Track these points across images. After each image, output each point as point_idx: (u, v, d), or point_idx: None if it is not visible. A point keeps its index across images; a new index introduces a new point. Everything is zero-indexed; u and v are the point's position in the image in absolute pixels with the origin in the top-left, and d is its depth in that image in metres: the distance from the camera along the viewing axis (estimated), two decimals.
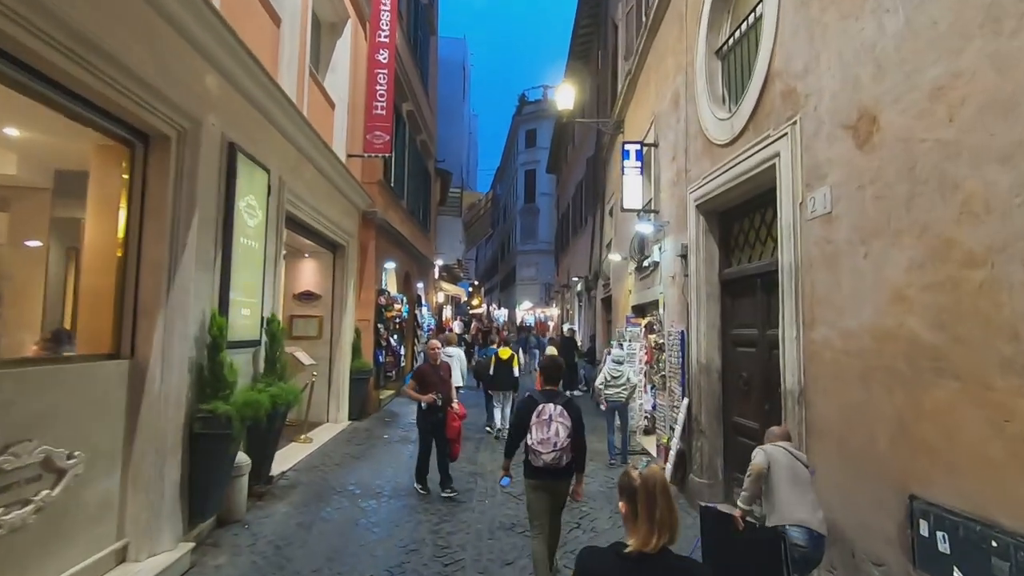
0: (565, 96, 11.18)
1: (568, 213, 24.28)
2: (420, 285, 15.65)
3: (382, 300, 10.65)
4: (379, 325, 10.46)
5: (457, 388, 8.58)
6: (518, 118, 40.78)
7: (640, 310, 9.32)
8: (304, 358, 8.57)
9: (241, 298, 5.17)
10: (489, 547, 4.75)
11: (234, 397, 4.52)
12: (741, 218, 5.50)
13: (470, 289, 34.85)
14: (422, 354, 14.91)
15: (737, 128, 5.03)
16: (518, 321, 35.03)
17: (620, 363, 7.48)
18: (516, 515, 5.47)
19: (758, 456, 3.41)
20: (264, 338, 5.65)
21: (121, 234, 3.98)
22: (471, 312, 34.34)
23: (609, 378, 7.35)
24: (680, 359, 6.29)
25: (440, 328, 17.94)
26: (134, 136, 4.01)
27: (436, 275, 19.40)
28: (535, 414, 3.71)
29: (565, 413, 3.72)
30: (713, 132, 5.56)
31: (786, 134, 4.20)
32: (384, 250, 11.15)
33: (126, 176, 4.03)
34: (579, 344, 15.10)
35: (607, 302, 13.06)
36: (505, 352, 9.09)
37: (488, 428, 9.25)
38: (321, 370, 9.03)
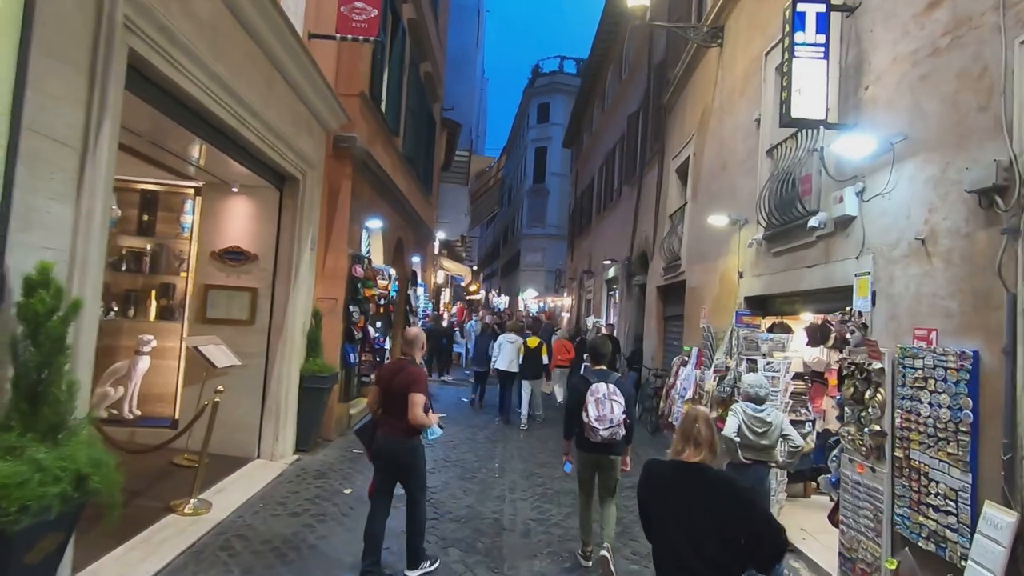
0: None
1: (591, 189, 20.88)
2: (416, 259, 12.22)
3: (359, 271, 7.22)
4: (352, 307, 7.04)
5: (513, 374, 8.91)
6: (530, 90, 37.61)
7: (760, 303, 5.93)
8: (219, 356, 5.17)
9: None
10: None
11: None
12: None
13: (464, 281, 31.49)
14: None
15: None
16: (520, 309, 31.83)
17: (761, 400, 4.08)
18: None
19: None
20: (18, 328, 2.23)
21: None
22: (468, 298, 31.07)
23: (750, 433, 3.96)
24: (966, 413, 2.92)
25: (438, 312, 14.55)
26: None
27: (436, 249, 15.95)
28: (589, 393, 3.88)
29: (618, 391, 3.91)
30: None
31: None
32: (366, 200, 7.71)
33: None
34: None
35: (669, 291, 9.66)
36: (533, 341, 8.93)
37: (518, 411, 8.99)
38: (251, 375, 5.64)
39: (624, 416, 3.88)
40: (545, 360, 8.99)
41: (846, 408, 3.93)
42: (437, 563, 3.84)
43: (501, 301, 38.29)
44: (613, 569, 3.77)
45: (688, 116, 9.05)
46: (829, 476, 4.16)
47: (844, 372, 3.93)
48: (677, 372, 7.72)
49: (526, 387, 8.86)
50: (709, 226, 7.15)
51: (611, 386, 3.91)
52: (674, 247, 9.00)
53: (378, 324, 8.67)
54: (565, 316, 23.03)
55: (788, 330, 5.53)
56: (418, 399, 3.44)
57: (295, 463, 5.78)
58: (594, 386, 3.90)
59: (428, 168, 12.96)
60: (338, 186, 6.84)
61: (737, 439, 3.96)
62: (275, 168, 5.54)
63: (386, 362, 8.96)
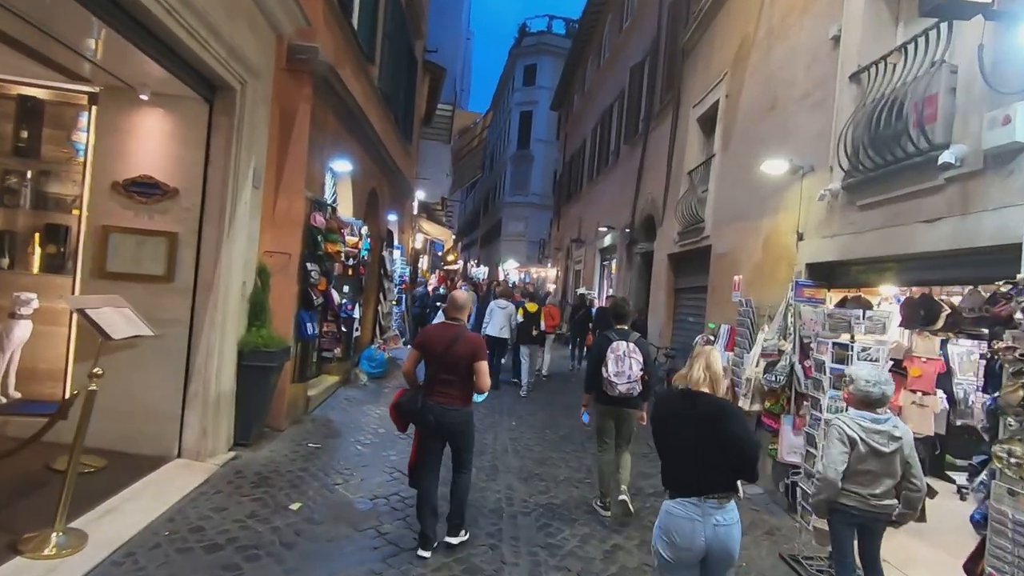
0: None
1: (582, 153, 19.52)
2: (393, 217, 10.75)
3: (320, 220, 5.78)
4: (310, 265, 5.63)
5: (504, 341, 8.54)
6: (516, 51, 35.84)
7: (826, 272, 4.74)
8: (119, 323, 3.75)
9: None
10: None
11: None
12: None
13: (445, 247, 29.97)
14: (396, 315, 10.18)
15: None
16: (501, 279, 30.64)
17: (881, 403, 2.87)
18: None
19: None
20: None
21: None
22: (446, 268, 29.78)
23: (872, 457, 2.75)
24: None
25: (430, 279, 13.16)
26: None
27: (415, 210, 14.45)
28: (610, 350, 4.14)
29: (637, 350, 4.18)
30: None
31: None
32: (331, 133, 6.23)
33: None
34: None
35: (684, 259, 8.46)
36: (532, 306, 8.86)
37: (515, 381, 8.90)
38: (170, 349, 4.26)
39: (642, 373, 4.13)
40: (542, 327, 8.96)
41: (1010, 418, 2.75)
42: (468, 534, 3.66)
43: (480, 271, 37.08)
44: (631, 508, 4.19)
45: (717, 54, 7.70)
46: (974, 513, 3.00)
47: (1011, 368, 2.74)
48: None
49: (525, 353, 8.68)
50: (751, 179, 5.91)
51: (631, 344, 4.18)
52: (694, 208, 7.75)
53: (345, 288, 7.27)
54: (551, 287, 21.83)
55: (867, 306, 4.35)
56: (485, 366, 3.47)
57: (230, 463, 4.44)
58: (615, 344, 4.17)
59: (408, 114, 11.38)
60: (293, 109, 5.35)
61: (840, 481, 2.74)
62: (201, 70, 4.05)
63: (355, 334, 7.62)
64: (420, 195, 15.30)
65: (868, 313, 3.70)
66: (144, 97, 4.19)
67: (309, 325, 5.58)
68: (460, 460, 3.58)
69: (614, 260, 13.39)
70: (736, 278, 6.20)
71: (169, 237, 4.29)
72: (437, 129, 18.39)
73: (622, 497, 4.18)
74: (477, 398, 3.59)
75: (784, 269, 5.18)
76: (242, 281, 4.64)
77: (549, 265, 25.38)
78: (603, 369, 4.12)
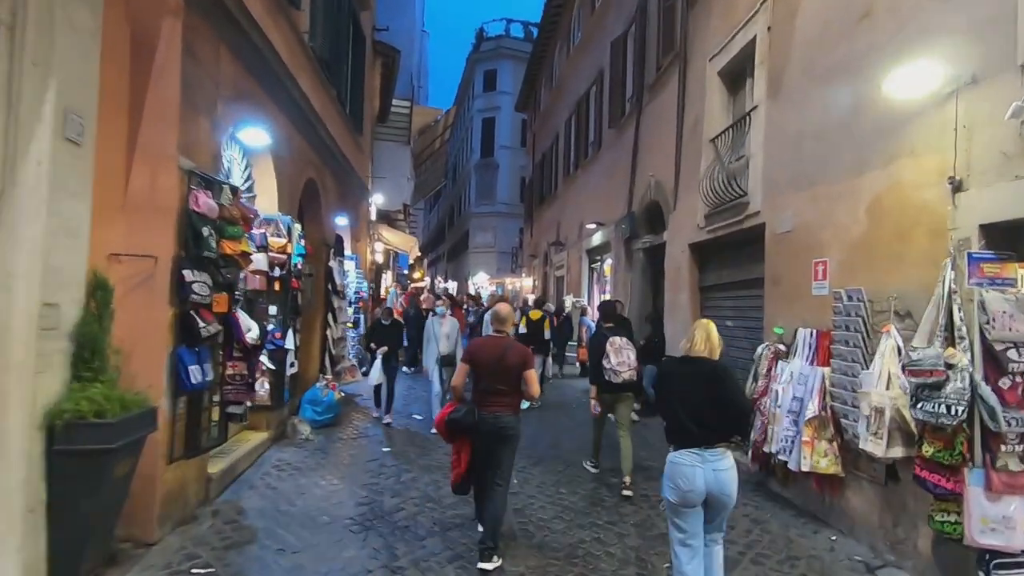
0: None
1: (554, 150, 17.93)
2: (342, 221, 8.72)
3: (207, 203, 3.72)
4: (192, 274, 3.55)
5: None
6: (474, 56, 34.56)
7: (1009, 236, 2.99)
8: None
9: None
10: None
11: None
12: None
13: (410, 259, 27.87)
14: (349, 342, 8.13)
15: None
16: (471, 293, 28.78)
17: None
18: None
19: None
20: None
21: None
22: (413, 285, 27.66)
23: None
24: None
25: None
26: None
27: (373, 215, 12.41)
28: (608, 344, 4.71)
29: (628, 343, 4.81)
30: None
31: None
32: (229, 80, 4.22)
33: None
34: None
35: (713, 247, 6.68)
36: (536, 314, 8.87)
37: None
38: None
39: (636, 362, 4.83)
40: (547, 335, 8.83)
41: None
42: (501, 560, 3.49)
43: (448, 286, 35.19)
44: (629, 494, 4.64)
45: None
46: None
47: None
48: (770, 371, 4.76)
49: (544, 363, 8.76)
50: (831, 123, 4.23)
51: (624, 339, 4.82)
52: (727, 181, 6.02)
53: (272, 310, 5.22)
54: (531, 297, 19.99)
55: None
56: (535, 375, 3.63)
57: None
58: (611, 338, 4.75)
59: (356, 96, 9.41)
60: (152, 27, 3.35)
61: None
62: None
63: (290, 370, 5.58)
64: (379, 199, 13.28)
65: None
66: None
67: (195, 368, 3.50)
68: (499, 473, 3.56)
69: (607, 260, 11.62)
70: (819, 263, 4.44)
71: None
72: (395, 128, 16.40)
73: (626, 492, 4.61)
74: (523, 405, 3.71)
75: (921, 239, 3.43)
76: (41, 304, 2.59)
77: (523, 275, 23.58)
78: (605, 361, 4.67)
